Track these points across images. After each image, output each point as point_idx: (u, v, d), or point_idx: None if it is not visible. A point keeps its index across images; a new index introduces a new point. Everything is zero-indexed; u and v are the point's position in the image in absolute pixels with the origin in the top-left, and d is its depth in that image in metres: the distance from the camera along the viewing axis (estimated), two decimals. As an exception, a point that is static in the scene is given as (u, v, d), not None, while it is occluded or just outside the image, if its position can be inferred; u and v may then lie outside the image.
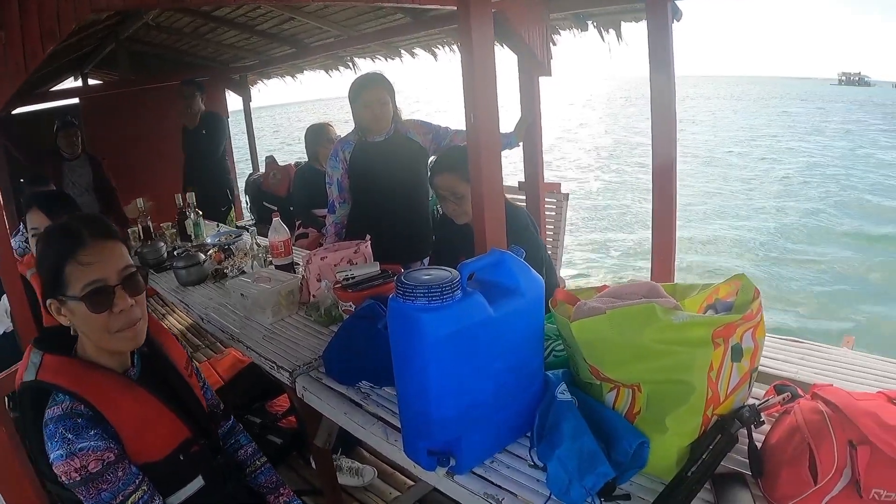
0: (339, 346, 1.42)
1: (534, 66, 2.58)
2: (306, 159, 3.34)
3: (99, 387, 0.99)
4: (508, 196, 1.88)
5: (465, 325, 0.90)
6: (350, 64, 4.74)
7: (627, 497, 0.90)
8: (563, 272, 3.92)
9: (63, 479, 0.92)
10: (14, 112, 4.69)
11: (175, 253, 2.63)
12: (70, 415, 0.94)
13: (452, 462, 0.98)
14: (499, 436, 1.04)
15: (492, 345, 0.94)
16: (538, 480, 0.96)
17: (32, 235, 1.82)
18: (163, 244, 2.73)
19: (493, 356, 0.95)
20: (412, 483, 2.08)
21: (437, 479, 1.02)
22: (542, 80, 2.65)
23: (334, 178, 2.39)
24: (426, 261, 2.45)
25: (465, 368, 0.92)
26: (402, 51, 4.23)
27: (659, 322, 0.91)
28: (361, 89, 2.27)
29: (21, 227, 2.23)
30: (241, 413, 2.36)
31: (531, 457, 1.01)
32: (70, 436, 0.92)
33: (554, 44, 2.84)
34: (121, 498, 0.94)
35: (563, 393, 1.01)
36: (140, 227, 2.89)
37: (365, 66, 4.67)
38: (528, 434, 1.06)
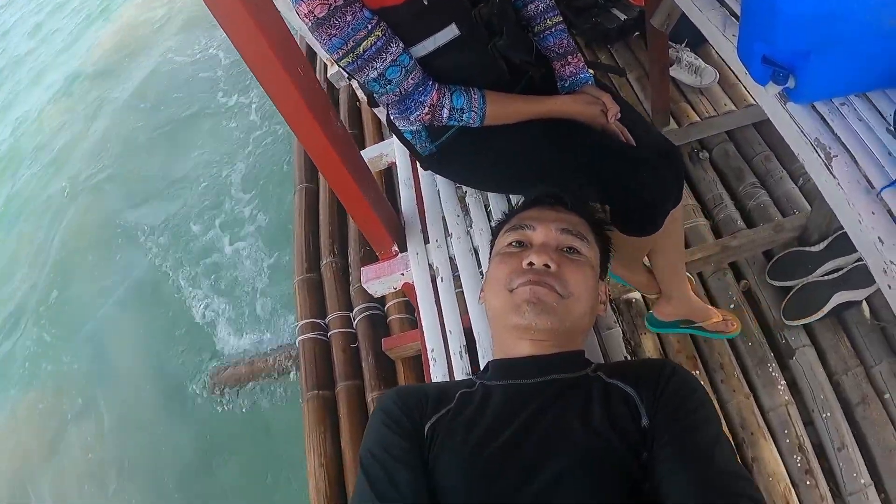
0: None
1: None
2: None
3: None
4: None
5: None
6: None
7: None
8: None
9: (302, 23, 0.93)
10: None
11: None
12: None
13: (791, 83, 0.78)
14: (865, 72, 0.77)
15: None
16: (890, 155, 0.74)
17: None
18: None
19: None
20: (752, 103, 1.72)
21: (765, 97, 0.84)
22: None
23: None
24: None
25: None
26: None
27: None
28: None
29: None
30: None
31: (894, 119, 0.76)
32: None
33: None
34: (351, 44, 0.91)
35: None
36: None
37: None
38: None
